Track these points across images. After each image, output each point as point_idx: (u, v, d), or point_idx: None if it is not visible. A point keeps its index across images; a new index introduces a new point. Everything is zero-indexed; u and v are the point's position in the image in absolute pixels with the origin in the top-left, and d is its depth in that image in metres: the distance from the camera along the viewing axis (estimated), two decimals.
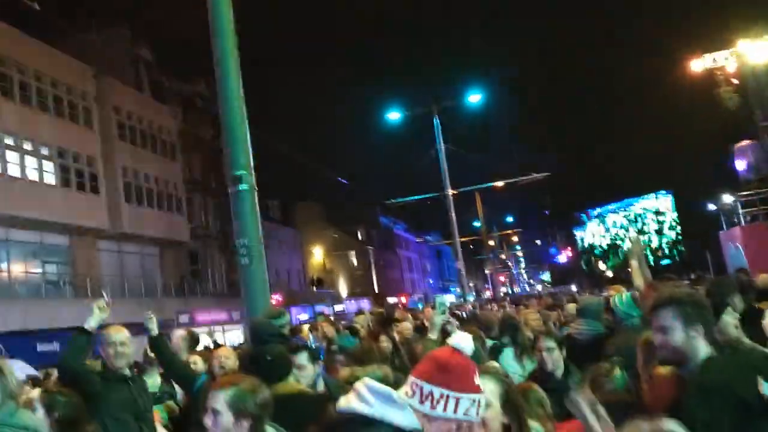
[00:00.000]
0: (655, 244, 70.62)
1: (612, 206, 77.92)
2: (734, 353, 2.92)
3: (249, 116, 7.55)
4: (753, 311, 5.04)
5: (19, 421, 2.95)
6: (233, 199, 7.24)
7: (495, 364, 4.69)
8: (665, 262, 66.14)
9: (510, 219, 71.70)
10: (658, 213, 72.17)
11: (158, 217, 30.88)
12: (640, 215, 74.10)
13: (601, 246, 77.69)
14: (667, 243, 70.46)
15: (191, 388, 5.35)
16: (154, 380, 6.63)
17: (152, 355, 6.14)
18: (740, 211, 20.59)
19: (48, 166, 24.89)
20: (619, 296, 5.37)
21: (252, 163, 7.33)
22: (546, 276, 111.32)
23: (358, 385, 1.93)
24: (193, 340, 7.35)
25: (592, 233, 79.61)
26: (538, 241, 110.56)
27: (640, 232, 72.00)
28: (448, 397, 1.94)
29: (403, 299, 62.54)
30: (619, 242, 72.81)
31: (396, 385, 2.06)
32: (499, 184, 27.92)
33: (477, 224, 47.37)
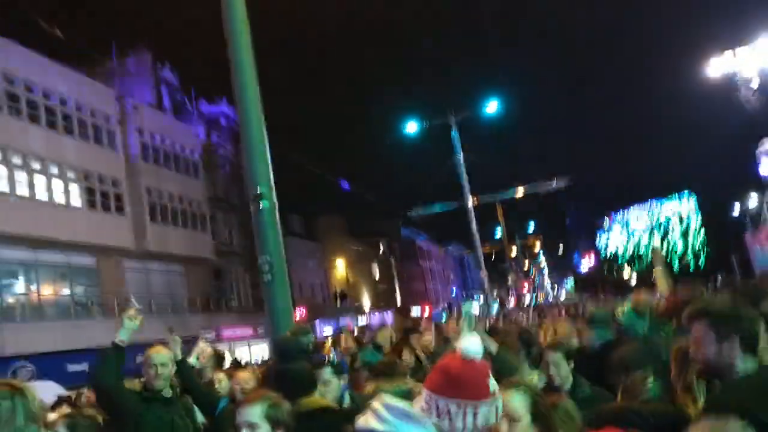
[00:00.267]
0: (680, 248, 69.52)
1: (635, 210, 76.99)
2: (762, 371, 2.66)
3: (268, 131, 7.66)
4: None
5: None
6: (255, 216, 7.33)
7: (534, 376, 4.68)
8: (689, 265, 65.25)
9: (531, 227, 71.26)
10: (681, 217, 71.03)
11: (182, 235, 31.21)
12: (663, 221, 73.04)
13: (624, 253, 76.73)
14: (692, 247, 69.34)
15: (213, 411, 5.31)
16: None
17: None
18: (766, 211, 20.34)
19: (74, 188, 25.31)
20: (622, 308, 5.49)
21: (272, 180, 7.43)
22: (570, 284, 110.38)
23: (375, 404, 1.96)
24: (219, 359, 7.45)
25: (616, 239, 78.72)
26: (561, 248, 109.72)
27: (664, 236, 71.12)
28: (466, 409, 1.92)
29: (427, 310, 62.37)
30: (643, 247, 71.83)
31: None
32: (520, 192, 27.83)
33: (499, 233, 47.25)
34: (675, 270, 59.14)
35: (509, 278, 58.43)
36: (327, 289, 53.44)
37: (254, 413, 2.80)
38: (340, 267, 57.04)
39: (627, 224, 77.68)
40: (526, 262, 77.98)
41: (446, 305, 71.03)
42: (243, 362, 13.15)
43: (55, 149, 24.56)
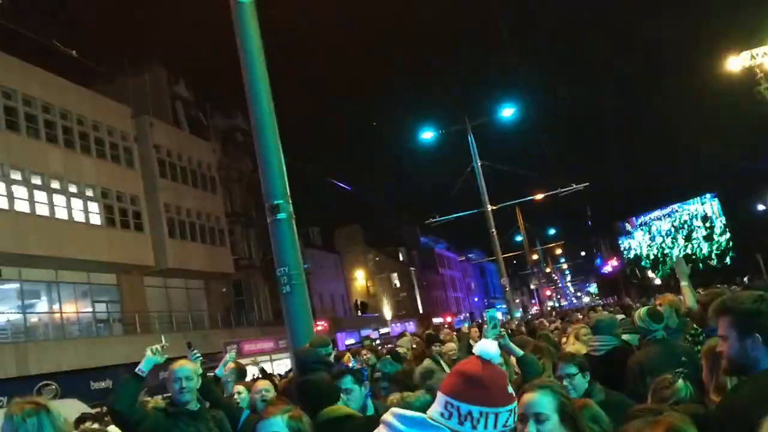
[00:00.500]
0: (705, 251, 68.60)
1: (657, 213, 76.24)
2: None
3: (283, 143, 7.62)
4: None
5: None
6: (272, 229, 7.25)
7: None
8: (714, 266, 64.36)
9: (552, 232, 70.80)
10: (705, 219, 70.11)
11: (202, 250, 31.34)
12: (686, 222, 72.18)
13: (648, 257, 75.93)
14: (717, 249, 68.36)
15: (236, 426, 5.31)
16: None
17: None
18: None
19: (93, 207, 25.49)
20: (639, 312, 5.44)
21: (289, 192, 7.37)
22: (593, 288, 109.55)
23: (387, 416, 1.88)
24: (241, 372, 7.39)
25: (639, 242, 77.95)
26: (583, 253, 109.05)
27: (687, 238, 70.28)
28: (487, 414, 1.89)
29: (449, 319, 62.11)
30: (667, 251, 70.91)
31: None
32: (539, 197, 27.64)
33: (519, 239, 46.95)
34: (700, 269, 58.42)
35: (531, 284, 58.08)
36: (347, 300, 53.42)
37: (278, 424, 2.72)
38: (360, 277, 57.02)
39: (649, 227, 76.88)
40: (548, 267, 77.45)
41: (468, 314, 70.70)
42: (270, 373, 13.08)
43: (73, 168, 24.78)
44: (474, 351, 2.01)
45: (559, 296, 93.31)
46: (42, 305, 24.57)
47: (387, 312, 59.18)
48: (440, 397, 1.96)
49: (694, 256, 64.53)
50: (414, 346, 11.05)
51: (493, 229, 23.35)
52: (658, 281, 68.75)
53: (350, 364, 8.12)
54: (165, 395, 4.85)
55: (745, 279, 38.91)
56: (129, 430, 4.47)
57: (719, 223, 68.79)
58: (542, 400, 2.53)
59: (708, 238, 69.32)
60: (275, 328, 33.23)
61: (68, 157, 24.79)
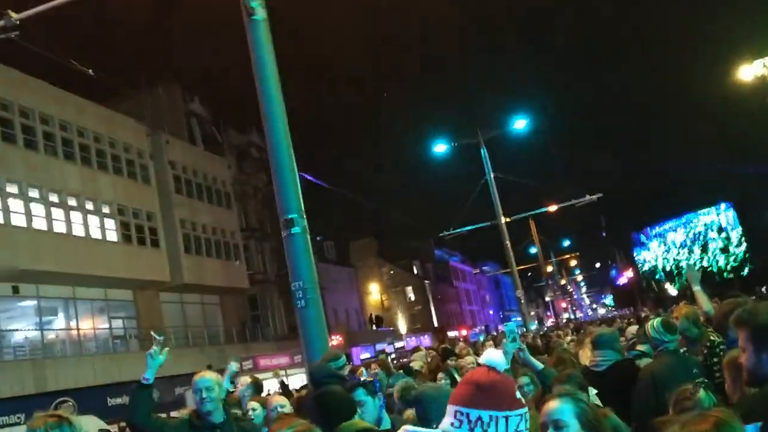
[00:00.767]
0: (721, 261, 67.70)
1: (671, 223, 75.51)
2: None
3: (297, 158, 7.69)
4: None
5: None
6: (287, 243, 7.31)
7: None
8: (732, 278, 63.47)
9: (567, 243, 70.43)
10: (720, 230, 69.18)
11: (217, 265, 31.47)
12: (700, 233, 71.31)
13: (663, 268, 75.12)
14: (735, 261, 67.30)
15: None
16: None
17: None
18: None
19: (109, 223, 25.70)
20: (652, 322, 5.41)
21: (303, 206, 7.42)
22: (609, 299, 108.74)
23: None
24: (257, 387, 7.43)
25: (654, 254, 77.22)
26: (598, 264, 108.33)
27: (704, 250, 69.56)
28: (497, 418, 1.90)
29: (464, 332, 61.86)
30: (683, 263, 69.99)
31: None
32: (553, 208, 27.54)
33: (534, 251, 46.78)
34: (717, 282, 57.78)
35: (546, 296, 57.79)
36: (362, 314, 53.35)
37: None
38: (374, 291, 56.96)
39: (664, 239, 76.10)
40: (563, 279, 77.00)
41: (483, 327, 70.38)
42: (290, 388, 13.10)
43: (90, 186, 25.03)
44: (480, 360, 2.03)
45: (574, 308, 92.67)
46: (59, 322, 24.75)
47: (402, 326, 59.02)
48: (450, 408, 1.98)
49: (710, 269, 63.78)
50: (429, 359, 11.04)
51: (507, 242, 23.30)
52: (674, 292, 68.10)
53: (362, 377, 8.14)
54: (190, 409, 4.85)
55: (764, 289, 38.57)
56: None
57: (735, 233, 67.95)
58: (561, 408, 2.55)
59: (725, 249, 68.44)
60: (291, 342, 33.24)
61: (85, 174, 25.04)
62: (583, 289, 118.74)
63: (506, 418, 1.90)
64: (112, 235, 25.72)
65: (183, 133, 33.25)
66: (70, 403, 19.53)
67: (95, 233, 24.86)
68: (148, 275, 26.90)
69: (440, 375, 8.82)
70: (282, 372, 22.01)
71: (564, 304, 73.12)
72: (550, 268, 57.90)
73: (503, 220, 23.04)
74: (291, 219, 7.24)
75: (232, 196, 34.72)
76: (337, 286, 46.52)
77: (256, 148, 38.49)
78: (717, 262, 67.72)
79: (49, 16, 9.19)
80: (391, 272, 60.81)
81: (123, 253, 25.79)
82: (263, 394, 7.69)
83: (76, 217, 24.09)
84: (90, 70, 10.37)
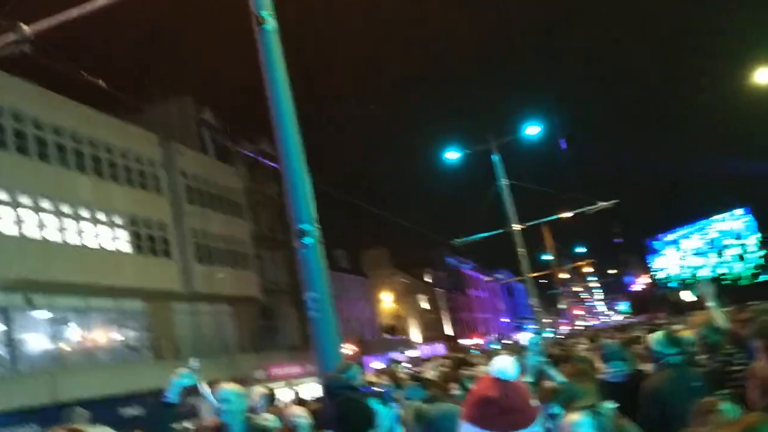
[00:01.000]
0: (738, 270, 66.78)
1: (685, 230, 74.77)
2: None
3: (309, 166, 7.63)
4: None
5: None
6: (299, 253, 7.26)
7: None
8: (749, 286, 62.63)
9: (581, 250, 70.02)
10: (737, 236, 68.18)
11: (229, 275, 31.47)
12: (715, 239, 70.42)
13: (678, 277, 74.28)
14: (755, 268, 66.19)
15: None
16: None
17: None
18: None
19: (121, 234, 25.75)
20: (655, 335, 5.36)
21: (315, 216, 7.37)
22: (624, 306, 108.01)
23: None
24: (270, 398, 7.38)
25: (669, 261, 76.50)
26: (613, 271, 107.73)
27: (719, 256, 68.87)
28: None
29: (479, 341, 61.60)
30: (699, 271, 69.04)
31: None
32: (567, 215, 27.39)
33: (547, 258, 46.55)
34: (734, 289, 57.16)
35: (560, 303, 57.49)
36: (375, 323, 53.25)
37: None
38: (387, 300, 56.85)
39: (678, 245, 75.32)
40: (577, 286, 76.60)
41: (497, 335, 70.03)
42: (304, 398, 13.02)
43: (102, 196, 25.10)
44: (490, 371, 1.97)
45: (589, 315, 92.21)
46: (72, 332, 24.76)
47: (415, 334, 58.85)
48: (468, 427, 1.91)
49: (726, 276, 63.07)
50: (443, 369, 10.92)
51: (521, 249, 23.16)
52: (690, 299, 67.45)
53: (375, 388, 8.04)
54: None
55: None
56: None
57: (753, 239, 67.05)
58: (581, 422, 2.48)
59: (741, 256, 67.54)
60: (303, 352, 33.19)
61: (97, 185, 25.12)
62: (598, 296, 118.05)
63: None
64: (125, 246, 25.78)
65: (194, 142, 33.35)
66: (83, 414, 19.51)
67: (107, 244, 24.92)
68: (160, 285, 26.92)
69: (453, 386, 8.71)
70: (294, 383, 21.94)
71: (578, 312, 72.64)
72: (564, 275, 57.58)
73: (516, 227, 22.91)
74: (304, 229, 7.19)
75: (243, 205, 34.78)
76: (350, 295, 46.46)
77: (266, 157, 38.56)
78: (733, 269, 66.94)
79: (60, 29, 9.20)
80: (404, 281, 60.70)
81: (135, 263, 25.83)
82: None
83: (88, 227, 24.15)
84: (101, 81, 10.37)
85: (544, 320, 31.84)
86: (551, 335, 37.38)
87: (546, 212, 29.31)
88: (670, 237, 76.93)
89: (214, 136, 35.58)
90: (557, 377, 4.21)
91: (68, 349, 24.52)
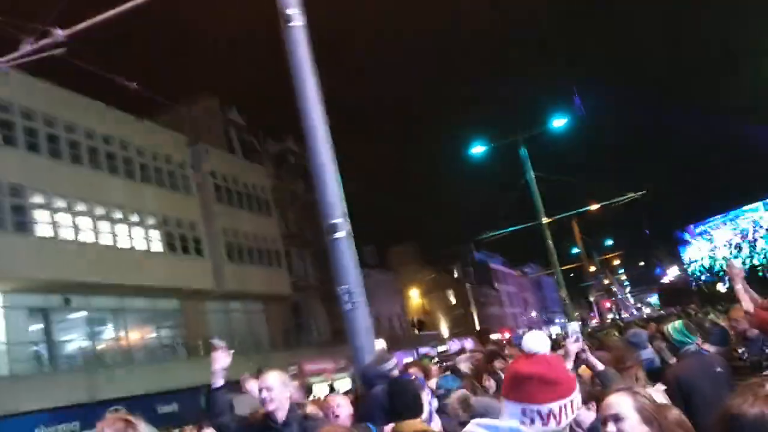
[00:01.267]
0: None
1: (715, 221, 73.36)
2: None
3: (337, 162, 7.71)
4: None
5: None
6: (331, 248, 7.34)
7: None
8: None
9: (610, 242, 69.24)
10: None
11: (260, 273, 31.79)
12: (748, 230, 68.94)
13: (711, 267, 72.92)
14: None
15: None
16: None
17: None
18: None
19: (154, 234, 26.16)
20: (673, 324, 5.35)
21: (346, 209, 7.45)
22: (654, 299, 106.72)
23: (472, 428, 1.91)
24: (307, 389, 7.49)
25: (700, 253, 75.14)
26: (642, 263, 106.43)
27: (753, 247, 67.64)
28: (565, 405, 1.96)
29: (507, 335, 61.35)
30: (732, 262, 67.46)
31: None
32: (595, 207, 27.17)
33: (576, 251, 46.20)
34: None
35: (590, 296, 57.00)
36: (404, 318, 53.32)
37: None
38: (415, 296, 56.90)
39: (710, 237, 73.87)
40: (606, 278, 75.84)
41: (526, 329, 69.65)
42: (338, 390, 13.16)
43: (134, 198, 25.52)
44: (524, 346, 2.07)
45: (619, 308, 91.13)
46: (109, 332, 25.26)
47: (444, 329, 58.83)
48: (513, 405, 1.98)
49: (760, 268, 61.91)
50: (475, 362, 10.95)
51: (550, 241, 23.07)
52: (722, 289, 66.39)
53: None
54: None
55: None
56: None
57: None
58: (619, 401, 2.54)
59: None
60: (334, 347, 33.42)
61: (129, 187, 25.55)
62: (628, 289, 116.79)
63: (571, 401, 1.98)
64: (157, 246, 26.18)
65: (222, 142, 33.73)
66: (122, 411, 19.92)
67: (140, 244, 25.33)
68: (192, 284, 27.30)
69: (485, 376, 8.76)
70: (327, 378, 22.13)
71: (608, 304, 71.99)
72: (593, 268, 57.10)
73: (545, 220, 22.82)
74: (335, 224, 7.27)
75: (271, 203, 35.07)
76: (379, 290, 46.55)
77: (293, 155, 38.86)
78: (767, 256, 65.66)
79: (91, 33, 9.41)
80: (432, 276, 60.69)
81: (168, 263, 26.23)
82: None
83: (121, 229, 24.58)
84: (134, 84, 10.59)
85: (574, 313, 31.60)
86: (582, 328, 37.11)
87: (574, 204, 29.13)
88: (700, 228, 75.69)
89: (240, 136, 35.93)
90: (598, 365, 4.27)
91: (105, 348, 25.02)
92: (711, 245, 73.66)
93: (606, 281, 75.85)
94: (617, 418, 2.50)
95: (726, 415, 1.93)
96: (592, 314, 76.76)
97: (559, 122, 22.50)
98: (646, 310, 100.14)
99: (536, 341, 2.05)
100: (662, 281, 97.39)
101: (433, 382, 7.18)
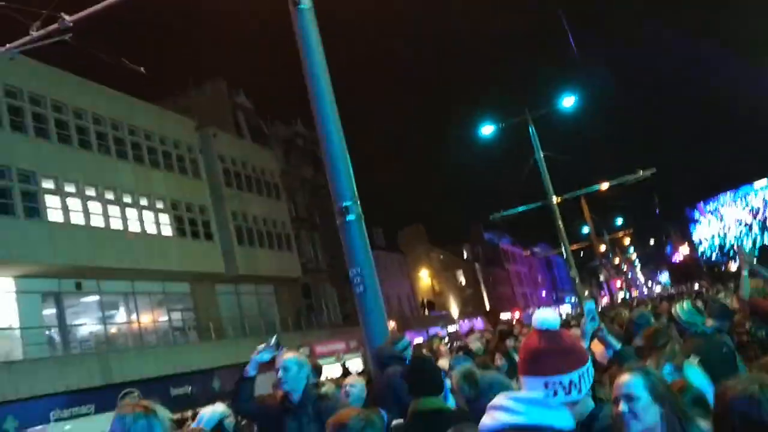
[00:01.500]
0: None
1: (725, 198, 72.83)
2: None
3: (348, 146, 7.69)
4: None
5: None
6: (342, 230, 7.34)
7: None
8: None
9: (620, 221, 68.86)
10: None
11: (270, 256, 31.90)
12: (759, 208, 68.39)
13: (721, 247, 72.47)
14: None
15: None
16: None
17: None
18: None
19: (164, 218, 26.26)
20: (680, 306, 5.36)
21: (356, 192, 7.45)
22: (665, 277, 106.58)
23: (499, 400, 1.91)
24: (317, 369, 7.54)
25: (710, 231, 74.70)
26: (652, 242, 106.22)
27: (764, 227, 67.25)
28: (583, 373, 2.05)
29: (517, 314, 61.47)
30: (743, 241, 67.09)
31: None
32: (605, 186, 27.02)
33: (586, 230, 46.04)
34: None
35: (600, 275, 56.89)
36: (414, 300, 53.47)
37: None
38: (425, 277, 57.00)
39: (721, 215, 73.38)
40: (616, 257, 75.69)
41: (536, 308, 69.72)
42: (351, 371, 13.27)
43: (143, 182, 25.59)
44: (535, 324, 2.12)
45: (629, 287, 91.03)
46: (121, 316, 25.46)
47: (454, 310, 58.98)
48: (534, 380, 2.01)
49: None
50: (486, 340, 11.01)
51: (560, 221, 23.00)
52: (734, 268, 66.11)
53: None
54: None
55: None
56: (260, 425, 4.91)
57: None
58: (632, 381, 2.55)
59: None
60: (344, 329, 33.62)
61: (138, 171, 25.62)
62: (638, 267, 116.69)
63: (587, 369, 2.06)
64: (167, 230, 26.29)
65: (230, 126, 33.71)
66: (135, 394, 20.11)
67: (150, 228, 25.44)
68: (203, 267, 27.44)
69: (497, 356, 8.81)
70: (342, 355, 22.30)
71: (619, 283, 71.92)
72: (603, 247, 56.89)
73: (554, 199, 22.73)
74: (346, 206, 7.28)
75: (280, 187, 35.11)
76: (388, 272, 46.65)
77: (301, 139, 38.85)
78: None
79: (98, 19, 9.39)
80: (441, 257, 60.75)
81: (178, 246, 26.35)
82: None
83: (131, 213, 24.68)
84: (142, 68, 10.57)
85: (584, 292, 31.59)
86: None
87: (583, 183, 28.96)
88: (711, 206, 75.33)
89: (248, 119, 35.89)
90: (615, 343, 4.28)
91: (117, 331, 25.24)
92: (721, 224, 73.32)
93: (616, 260, 75.75)
94: (629, 398, 2.51)
95: (721, 393, 2.08)
96: (602, 293, 76.74)
97: (568, 101, 22.34)
98: (657, 289, 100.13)
99: (547, 317, 2.11)
100: (673, 260, 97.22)
101: (445, 362, 7.22)
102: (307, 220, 37.61)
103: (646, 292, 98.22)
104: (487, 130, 23.63)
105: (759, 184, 68.84)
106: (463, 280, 64.75)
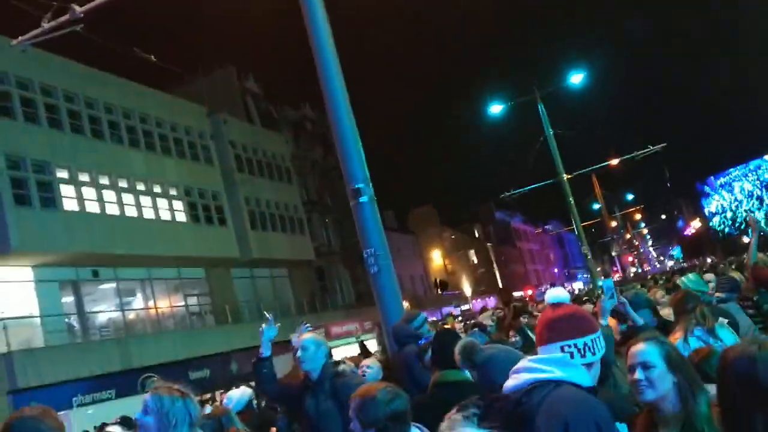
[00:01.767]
0: None
1: (736, 171, 72.13)
2: None
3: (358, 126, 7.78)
4: None
5: None
6: (355, 212, 7.44)
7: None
8: None
9: (630, 197, 68.67)
10: None
11: (283, 239, 32.13)
12: None
13: (734, 219, 71.91)
14: None
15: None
16: None
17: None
18: None
19: (177, 204, 26.48)
20: (687, 276, 5.46)
21: (368, 173, 7.55)
22: (676, 251, 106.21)
23: (524, 363, 2.10)
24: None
25: (721, 204, 74.15)
26: (663, 216, 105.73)
27: None
28: (596, 338, 2.18)
29: (530, 292, 61.56)
30: (754, 213, 66.59)
31: None
32: (615, 161, 27.00)
33: (597, 206, 46.01)
34: None
35: (612, 251, 56.91)
36: (427, 280, 53.66)
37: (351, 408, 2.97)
38: (437, 257, 57.13)
39: (731, 188, 72.78)
40: (627, 233, 75.48)
41: (549, 286, 69.72)
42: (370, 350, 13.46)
43: (156, 170, 25.79)
44: (547, 300, 2.30)
45: (641, 262, 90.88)
46: (138, 302, 25.78)
47: (467, 289, 59.14)
48: (550, 347, 2.17)
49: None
50: (497, 318, 11.14)
51: (571, 198, 23.04)
52: (745, 240, 65.73)
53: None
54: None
55: None
56: (285, 405, 5.09)
57: None
58: (648, 350, 2.67)
59: None
60: (358, 310, 33.83)
61: (150, 159, 25.80)
62: (650, 242, 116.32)
63: (598, 336, 2.19)
64: (181, 216, 26.51)
65: (240, 112, 33.80)
66: (155, 379, 20.45)
67: (165, 215, 25.67)
68: (217, 252, 27.69)
69: (512, 333, 8.94)
70: (360, 334, 22.47)
71: (630, 259, 71.79)
72: (614, 223, 56.82)
73: (565, 176, 22.76)
74: (358, 188, 7.38)
75: (291, 170, 35.24)
76: (400, 253, 46.77)
77: (310, 123, 38.89)
78: None
79: (108, 9, 9.49)
80: (453, 237, 60.81)
81: (192, 232, 26.58)
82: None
83: (145, 200, 24.89)
84: (152, 57, 10.70)
85: (596, 269, 31.63)
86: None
87: (594, 160, 28.93)
88: (721, 180, 74.74)
89: (258, 104, 35.96)
90: (637, 319, 4.39)
91: (134, 317, 25.59)
92: (732, 197, 72.78)
93: (628, 236, 75.56)
94: (645, 366, 2.63)
95: (723, 355, 2.22)
96: (615, 269, 76.69)
97: (576, 78, 22.30)
98: (669, 263, 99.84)
99: (558, 294, 2.28)
100: (684, 234, 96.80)
101: None
102: (318, 203, 37.76)
103: (658, 266, 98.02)
104: (496, 108, 23.64)
105: None
106: (475, 259, 64.86)
